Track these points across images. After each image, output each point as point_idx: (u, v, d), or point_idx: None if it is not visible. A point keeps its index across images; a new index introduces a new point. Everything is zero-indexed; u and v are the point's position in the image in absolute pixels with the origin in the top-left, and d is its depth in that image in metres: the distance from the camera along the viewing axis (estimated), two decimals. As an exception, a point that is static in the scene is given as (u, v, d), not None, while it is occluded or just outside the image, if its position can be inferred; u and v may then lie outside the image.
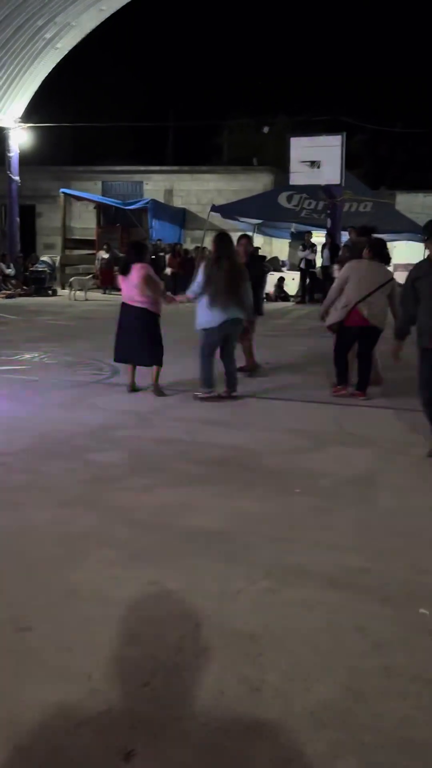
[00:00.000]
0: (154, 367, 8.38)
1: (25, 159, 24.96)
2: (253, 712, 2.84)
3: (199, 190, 27.29)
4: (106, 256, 23.77)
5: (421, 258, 6.35)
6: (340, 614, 3.58)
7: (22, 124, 24.02)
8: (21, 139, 24.21)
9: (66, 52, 22.04)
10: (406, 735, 2.72)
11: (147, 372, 8.49)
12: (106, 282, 22.53)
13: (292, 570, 4.03)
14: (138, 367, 8.48)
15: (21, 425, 7.05)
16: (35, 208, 28.65)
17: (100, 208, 26.44)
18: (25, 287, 23.41)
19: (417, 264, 6.24)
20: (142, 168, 28.70)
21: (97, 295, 22.43)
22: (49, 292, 23.32)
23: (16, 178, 24.38)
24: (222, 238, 8.19)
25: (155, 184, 28.13)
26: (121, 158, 29.65)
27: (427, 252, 6.06)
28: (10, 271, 23.71)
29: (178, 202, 27.55)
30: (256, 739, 2.71)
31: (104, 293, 22.60)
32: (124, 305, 8.40)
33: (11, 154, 24.04)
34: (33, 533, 4.52)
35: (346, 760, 2.60)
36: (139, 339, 8.29)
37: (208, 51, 35.68)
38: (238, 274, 7.96)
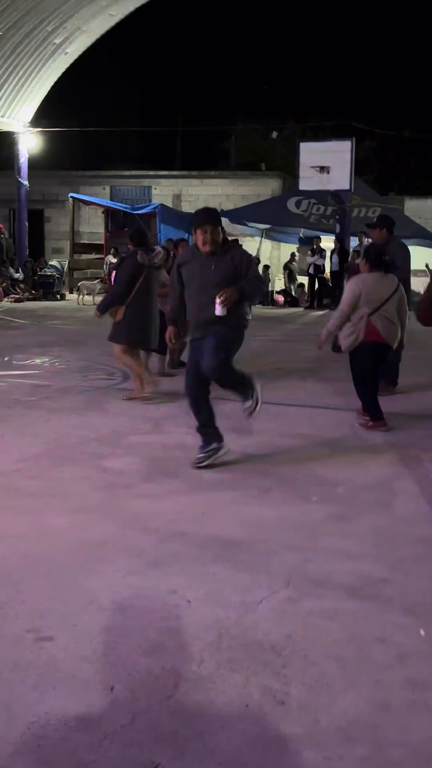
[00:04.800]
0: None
1: (33, 163, 25.00)
2: (278, 726, 2.79)
3: (207, 195, 27.28)
4: (114, 260, 23.75)
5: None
6: (362, 625, 3.53)
7: (31, 129, 24.06)
8: (30, 143, 24.25)
9: (75, 57, 22.08)
10: (435, 750, 2.68)
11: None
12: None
13: (312, 579, 3.99)
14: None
15: (33, 431, 7.02)
16: (44, 213, 28.67)
17: (109, 212, 26.46)
18: (33, 291, 23.42)
19: None
20: (151, 173, 28.73)
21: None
22: (58, 296, 23.32)
23: (25, 182, 24.42)
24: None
25: (163, 189, 28.14)
26: (129, 163, 29.70)
27: None
28: (19, 276, 23.73)
29: (186, 207, 27.53)
30: (282, 754, 2.66)
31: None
32: None
33: (20, 159, 24.07)
34: (50, 540, 4.49)
35: (375, 776, 2.55)
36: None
37: (216, 55, 35.70)
38: None
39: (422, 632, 3.49)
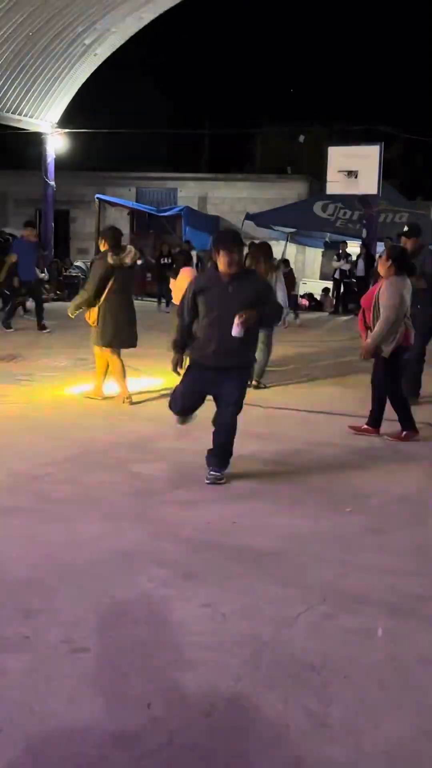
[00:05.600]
0: None
1: (60, 164, 25.03)
2: (321, 749, 2.72)
3: (233, 198, 27.21)
4: (139, 262, 23.74)
5: None
6: (401, 644, 3.45)
7: (59, 130, 24.11)
8: (57, 144, 24.29)
9: (104, 59, 22.07)
10: None
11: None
12: (138, 289, 22.51)
13: (349, 595, 3.91)
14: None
15: (62, 434, 6.99)
16: (69, 213, 28.72)
17: (134, 214, 26.46)
18: (58, 292, 23.45)
19: None
20: (177, 175, 28.68)
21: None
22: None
23: (52, 183, 24.44)
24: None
25: (189, 191, 28.09)
26: (155, 165, 29.67)
27: None
28: (44, 276, 23.75)
29: (211, 210, 27.47)
30: (325, 778, 2.59)
31: (136, 299, 22.59)
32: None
33: (47, 159, 24.11)
34: (81, 548, 4.44)
35: (422, 806, 2.47)
36: None
37: (243, 58, 35.66)
38: None
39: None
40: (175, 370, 5.91)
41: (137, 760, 2.62)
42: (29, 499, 5.21)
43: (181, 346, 5.81)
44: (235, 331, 5.49)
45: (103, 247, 8.31)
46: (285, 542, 4.61)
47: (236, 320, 5.48)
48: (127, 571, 4.14)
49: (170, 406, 5.97)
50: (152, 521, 4.92)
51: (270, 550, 4.47)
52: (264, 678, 3.14)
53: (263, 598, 3.86)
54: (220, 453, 5.72)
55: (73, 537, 4.58)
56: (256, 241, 10.99)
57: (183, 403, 5.85)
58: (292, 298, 21.18)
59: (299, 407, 8.46)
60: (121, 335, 8.21)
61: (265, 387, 9.38)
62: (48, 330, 14.19)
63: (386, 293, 6.91)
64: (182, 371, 5.87)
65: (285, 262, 20.16)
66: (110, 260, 8.09)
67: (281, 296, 9.57)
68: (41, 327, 14.29)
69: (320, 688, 3.08)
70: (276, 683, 3.10)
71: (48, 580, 3.98)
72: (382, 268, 7.14)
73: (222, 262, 5.50)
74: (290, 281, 20.96)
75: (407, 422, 7.05)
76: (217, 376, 5.60)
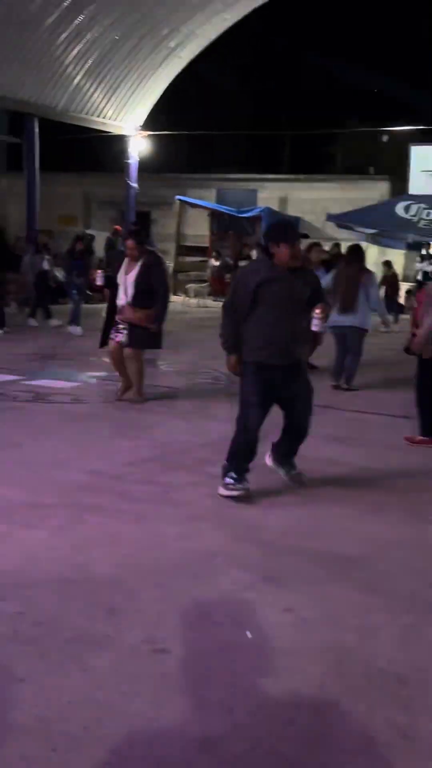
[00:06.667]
0: None
1: (142, 166, 25.31)
2: (407, 763, 2.65)
3: (313, 199, 27.00)
4: (216, 263, 23.82)
5: None
6: None
7: (142, 132, 24.38)
8: (140, 146, 24.58)
9: (188, 61, 22.23)
10: None
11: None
12: (216, 290, 22.59)
13: (434, 605, 3.82)
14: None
15: (142, 434, 7.04)
16: (150, 215, 29.01)
17: (214, 215, 26.54)
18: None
19: None
20: (257, 176, 28.64)
21: (207, 302, 22.50)
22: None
23: (134, 185, 24.74)
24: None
25: (270, 192, 28.01)
26: (235, 166, 29.71)
27: None
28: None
29: (292, 211, 27.32)
30: (412, 794, 2.53)
31: (214, 300, 22.66)
32: None
33: (130, 161, 24.41)
34: (162, 548, 4.45)
35: None
36: None
37: (325, 57, 35.39)
38: None
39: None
40: (235, 371, 5.48)
41: (220, 767, 2.60)
42: (111, 499, 5.25)
43: (234, 345, 5.39)
44: (317, 326, 5.40)
45: (132, 244, 8.03)
46: (367, 548, 4.54)
47: (316, 314, 5.39)
48: (208, 572, 4.13)
49: (245, 427, 5.36)
50: (232, 523, 4.90)
51: (352, 556, 4.40)
52: (348, 687, 3.08)
53: (346, 604, 3.80)
54: (295, 452, 5.62)
55: (154, 537, 4.60)
56: (348, 243, 10.99)
57: (261, 414, 5.35)
58: (394, 302, 20.85)
59: (382, 411, 8.33)
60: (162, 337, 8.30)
61: (356, 389, 9.30)
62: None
63: None
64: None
65: (387, 264, 19.85)
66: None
67: (374, 300, 9.44)
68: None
69: (406, 700, 3.00)
70: (360, 693, 3.04)
71: (130, 579, 4.00)
72: None
73: (284, 254, 5.18)
74: (393, 284, 20.59)
75: (428, 429, 6.87)
76: (285, 374, 5.32)
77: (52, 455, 6.24)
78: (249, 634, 3.48)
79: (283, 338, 5.26)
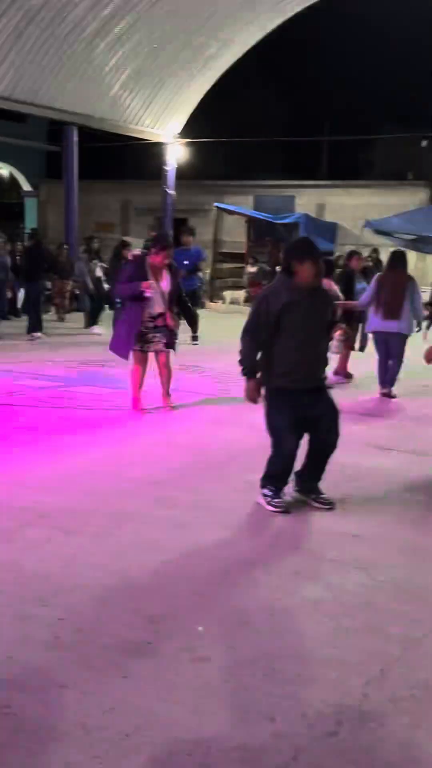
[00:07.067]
0: None
1: (180, 173, 25.43)
2: (453, 779, 2.61)
3: (351, 205, 26.90)
4: (252, 269, 23.83)
5: None
6: None
7: (180, 140, 24.50)
8: (177, 153, 24.70)
9: (225, 69, 22.30)
10: None
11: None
12: (253, 296, 22.60)
13: None
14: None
15: (178, 441, 7.04)
16: (187, 222, 29.12)
17: (251, 222, 26.55)
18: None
19: None
20: (295, 182, 28.61)
21: (243, 308, 22.49)
22: (198, 304, 23.59)
23: (172, 192, 24.86)
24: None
25: (307, 199, 27.96)
26: (272, 172, 29.71)
27: None
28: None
29: (330, 217, 27.26)
30: (458, 809, 2.48)
31: (250, 307, 22.67)
32: None
33: (168, 169, 24.54)
34: (201, 555, 4.44)
35: None
36: None
37: (362, 63, 35.25)
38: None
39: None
40: (254, 399, 5.27)
41: (262, 776, 2.58)
42: (150, 505, 5.26)
43: (253, 369, 5.21)
44: (337, 348, 5.31)
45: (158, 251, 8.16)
46: (408, 558, 4.49)
47: (337, 336, 5.27)
48: (248, 580, 4.11)
49: (281, 453, 5.20)
50: (271, 531, 4.89)
51: (393, 566, 4.35)
52: (392, 699, 3.05)
53: (388, 615, 3.75)
54: (320, 476, 5.40)
55: (193, 544, 4.59)
56: (392, 249, 10.92)
57: (295, 438, 5.22)
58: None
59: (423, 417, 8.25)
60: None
61: (395, 397, 9.23)
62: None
63: None
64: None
65: None
66: None
67: (417, 306, 9.37)
68: (194, 338, 14.08)
69: (451, 714, 2.96)
70: (404, 705, 3.00)
71: (169, 587, 4.00)
72: None
73: (308, 272, 5.00)
74: None
75: None
76: (310, 397, 5.18)
77: (90, 461, 6.26)
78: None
79: (307, 362, 5.15)
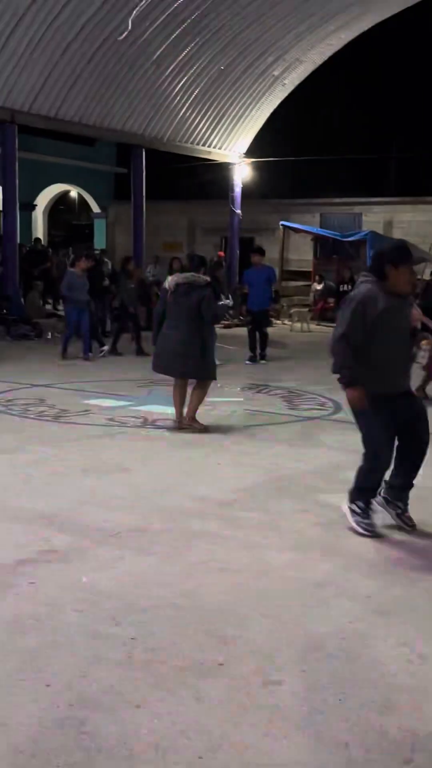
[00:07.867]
0: None
1: (246, 192, 25.58)
2: None
3: (419, 221, 26.63)
4: (318, 287, 23.78)
5: None
6: None
7: (246, 159, 24.67)
8: (244, 173, 24.87)
9: (293, 88, 22.41)
10: None
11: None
12: (319, 314, 22.59)
13: None
14: None
15: (248, 461, 7.04)
16: (254, 240, 29.22)
17: (317, 240, 26.50)
18: (242, 317, 23.84)
19: None
20: (362, 200, 28.47)
21: (311, 326, 22.43)
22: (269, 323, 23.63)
23: (238, 211, 25.01)
24: None
25: (375, 216, 27.78)
26: (339, 190, 29.62)
27: None
28: (228, 302, 24.21)
29: (397, 234, 26.97)
30: None
31: (317, 325, 22.59)
32: None
33: (235, 189, 24.72)
34: (271, 576, 4.43)
35: None
36: None
37: (428, 77, 34.96)
38: None
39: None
40: (364, 406, 4.99)
41: (337, 804, 2.55)
42: (218, 525, 5.27)
43: (355, 376, 4.96)
44: (424, 358, 5.28)
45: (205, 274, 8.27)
46: None
47: (424, 347, 5.24)
48: (320, 603, 4.08)
49: (378, 467, 5.12)
50: (343, 553, 4.83)
51: (468, 591, 4.27)
52: (467, 728, 2.98)
53: (463, 641, 3.68)
54: (411, 484, 5.28)
55: (263, 565, 4.58)
56: None
57: (391, 448, 5.10)
58: None
59: None
60: None
61: None
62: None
63: None
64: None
65: None
66: None
67: None
68: (262, 357, 14.22)
69: None
70: None
71: (240, 608, 4.00)
72: None
73: (403, 279, 4.96)
74: None
75: None
76: (404, 400, 5.17)
77: (159, 480, 6.32)
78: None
79: (400, 368, 5.17)
